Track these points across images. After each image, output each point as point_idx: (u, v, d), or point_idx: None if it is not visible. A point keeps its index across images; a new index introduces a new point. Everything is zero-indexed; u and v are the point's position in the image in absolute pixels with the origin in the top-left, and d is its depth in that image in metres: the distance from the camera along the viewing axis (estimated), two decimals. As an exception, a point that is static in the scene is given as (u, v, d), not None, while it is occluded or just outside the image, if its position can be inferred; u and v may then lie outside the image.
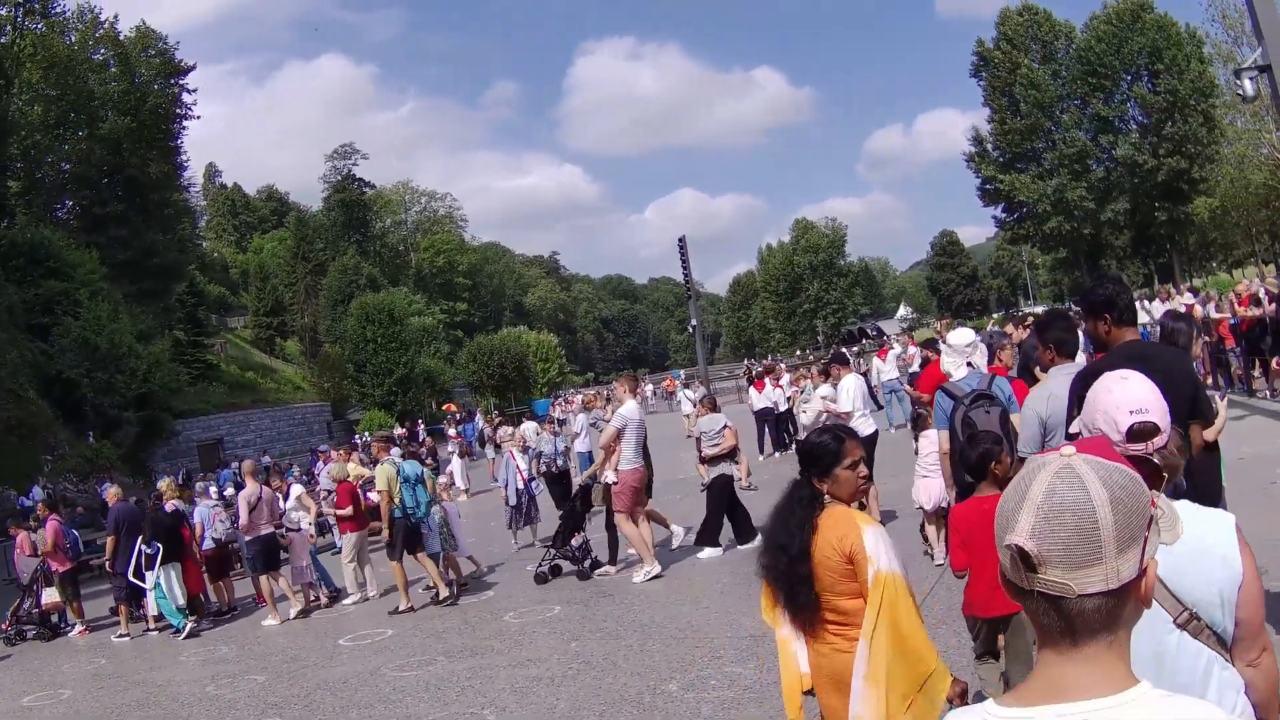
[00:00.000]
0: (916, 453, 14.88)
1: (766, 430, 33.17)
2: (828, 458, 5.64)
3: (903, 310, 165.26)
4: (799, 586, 5.57)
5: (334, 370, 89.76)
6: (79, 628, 21.50)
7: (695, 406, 30.95)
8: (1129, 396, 3.88)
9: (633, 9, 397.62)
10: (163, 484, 23.12)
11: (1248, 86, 17.28)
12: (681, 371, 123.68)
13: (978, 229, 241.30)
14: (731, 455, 18.65)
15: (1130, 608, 2.27)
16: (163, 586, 19.42)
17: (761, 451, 32.39)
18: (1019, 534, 2.24)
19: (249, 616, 20.34)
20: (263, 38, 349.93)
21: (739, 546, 17.66)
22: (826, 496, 5.65)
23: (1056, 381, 7.48)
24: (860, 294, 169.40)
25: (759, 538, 8.10)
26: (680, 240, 58.46)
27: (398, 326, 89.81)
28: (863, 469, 5.67)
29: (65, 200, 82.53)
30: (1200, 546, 3.59)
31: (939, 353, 13.35)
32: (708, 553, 17.83)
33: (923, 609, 5.73)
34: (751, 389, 35.47)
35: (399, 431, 66.08)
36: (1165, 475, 3.89)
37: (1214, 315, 26.99)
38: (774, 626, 6.00)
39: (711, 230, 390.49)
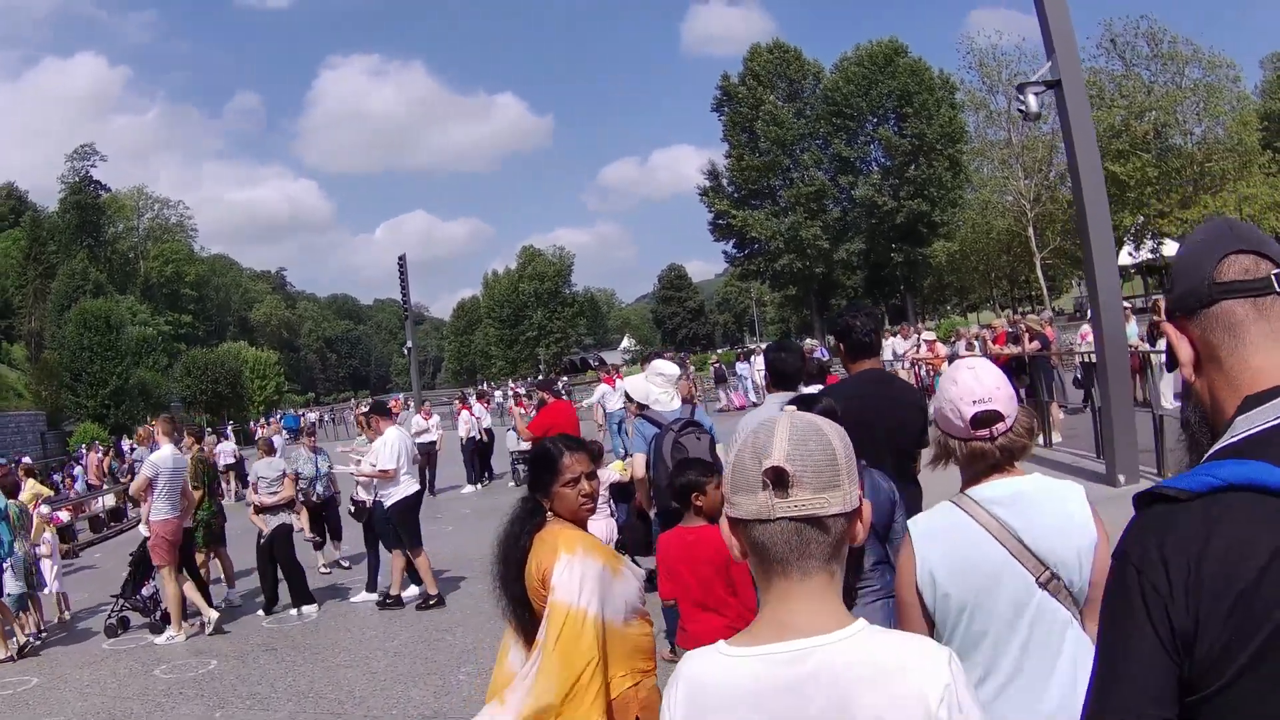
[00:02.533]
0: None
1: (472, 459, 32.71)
2: (546, 475, 5.46)
3: (626, 342, 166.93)
4: (517, 606, 5.37)
5: (52, 378, 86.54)
6: None
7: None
8: (972, 387, 4.08)
9: (381, 25, 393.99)
10: None
11: (1032, 103, 16.70)
12: (401, 395, 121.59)
13: (706, 264, 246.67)
14: (290, 505, 17.69)
15: (846, 542, 2.48)
16: None
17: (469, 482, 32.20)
18: (775, 457, 2.39)
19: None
20: (19, 32, 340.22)
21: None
22: (549, 514, 5.46)
23: (766, 408, 8.39)
24: (584, 324, 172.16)
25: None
26: (400, 259, 57.52)
27: (114, 335, 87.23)
28: (586, 486, 5.44)
29: None
30: (1063, 511, 3.98)
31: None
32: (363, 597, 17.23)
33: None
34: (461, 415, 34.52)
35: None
36: (1012, 458, 4.14)
37: (962, 353, 26.32)
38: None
39: (440, 254, 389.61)
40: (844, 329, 7.52)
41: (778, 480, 2.37)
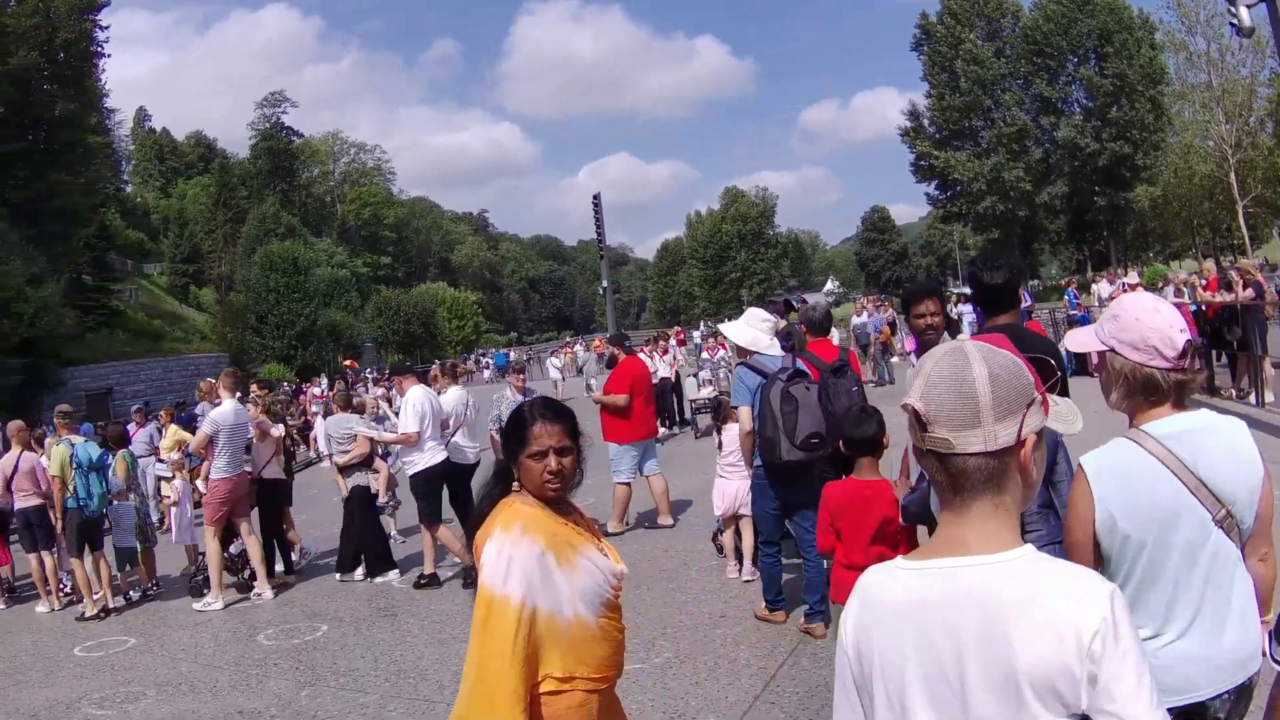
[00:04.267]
0: (720, 448, 12.87)
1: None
2: (514, 442, 4.73)
3: (830, 284, 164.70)
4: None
5: (237, 320, 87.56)
6: None
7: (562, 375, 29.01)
8: (1177, 319, 3.94)
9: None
10: None
11: (1244, 16, 14.85)
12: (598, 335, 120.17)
13: (910, 208, 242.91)
14: (368, 464, 15.99)
15: (1012, 476, 2.52)
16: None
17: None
18: (912, 396, 2.54)
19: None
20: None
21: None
22: (516, 485, 4.78)
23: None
24: (788, 265, 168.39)
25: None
26: (595, 198, 56.94)
27: (302, 276, 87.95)
28: (553, 462, 4.63)
29: None
30: (1231, 447, 3.90)
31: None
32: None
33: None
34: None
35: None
36: (1187, 393, 4.01)
37: (1172, 299, 24.13)
38: None
39: (643, 196, 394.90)
40: (978, 282, 6.73)
41: (916, 418, 2.52)
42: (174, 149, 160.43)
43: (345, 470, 15.60)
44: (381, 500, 16.08)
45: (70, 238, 77.94)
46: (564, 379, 52.46)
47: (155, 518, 20.26)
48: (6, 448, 17.13)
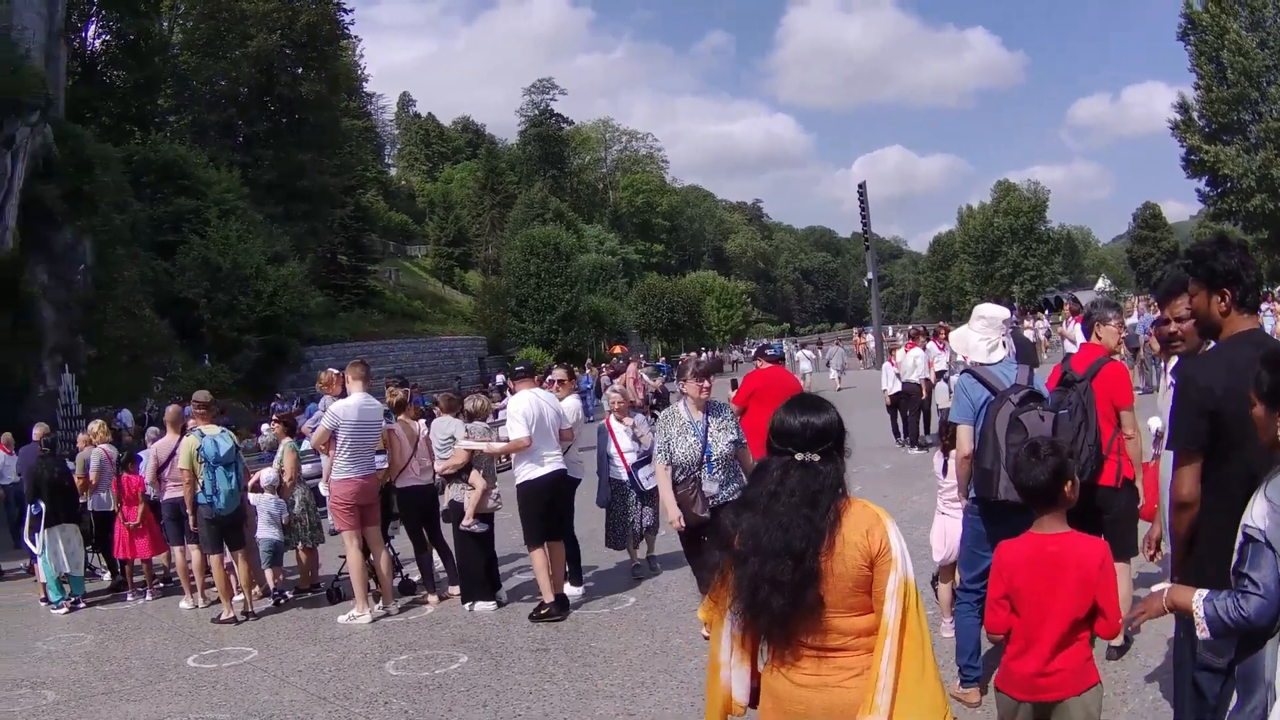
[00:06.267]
0: (944, 471, 10.14)
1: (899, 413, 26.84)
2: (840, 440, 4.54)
3: (1102, 282, 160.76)
4: (801, 593, 4.30)
5: (498, 303, 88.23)
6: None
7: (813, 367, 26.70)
8: None
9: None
10: (94, 425, 19.02)
11: None
12: (889, 327, 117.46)
13: (1181, 205, 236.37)
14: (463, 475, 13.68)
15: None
16: (48, 551, 16.27)
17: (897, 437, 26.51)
18: None
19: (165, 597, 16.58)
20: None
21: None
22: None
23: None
24: (1060, 262, 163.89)
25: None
26: (860, 187, 55.92)
27: (564, 262, 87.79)
28: None
29: (212, 119, 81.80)
30: None
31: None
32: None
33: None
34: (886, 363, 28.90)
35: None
36: None
37: None
38: (711, 629, 4.86)
39: (916, 188, 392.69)
40: (1229, 273, 5.41)
41: None
42: (440, 134, 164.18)
43: (449, 480, 13.71)
44: (466, 523, 13.27)
45: (319, 218, 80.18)
46: (813, 370, 50.60)
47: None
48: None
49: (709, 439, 10.54)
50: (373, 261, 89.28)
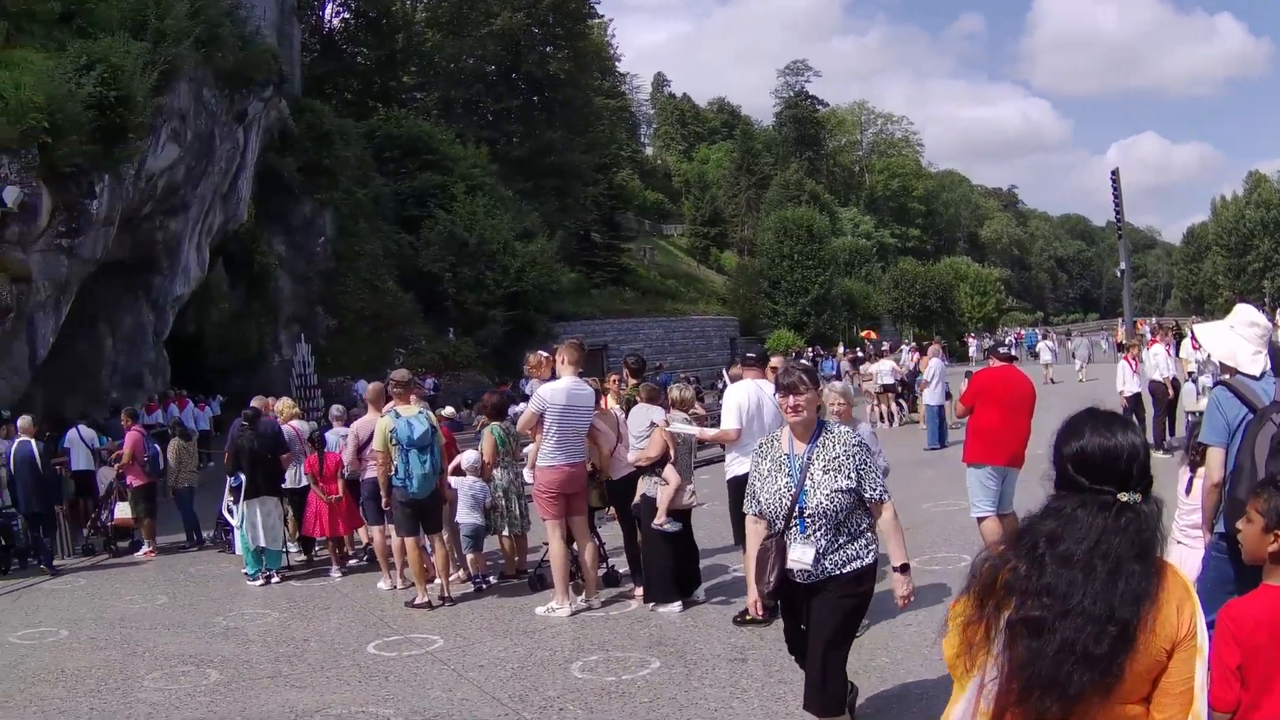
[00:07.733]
0: (1188, 489, 8.11)
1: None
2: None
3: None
4: (1109, 668, 3.53)
5: (750, 284, 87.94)
6: (146, 548, 20.17)
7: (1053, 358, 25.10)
8: None
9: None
10: (281, 403, 19.28)
11: None
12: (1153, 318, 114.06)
13: None
14: (658, 468, 12.59)
15: None
16: (246, 524, 16.25)
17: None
18: None
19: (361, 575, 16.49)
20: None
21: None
22: None
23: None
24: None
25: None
26: (1113, 174, 54.31)
27: (817, 244, 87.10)
28: None
29: (459, 96, 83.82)
30: None
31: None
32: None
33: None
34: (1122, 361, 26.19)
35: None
36: None
37: None
38: (957, 685, 3.89)
39: (1172, 177, 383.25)
40: None
41: None
42: (695, 114, 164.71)
43: (642, 473, 12.79)
44: (659, 521, 12.15)
45: (571, 195, 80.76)
46: (1054, 361, 49.80)
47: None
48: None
49: (806, 482, 7.22)
50: (627, 239, 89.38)
